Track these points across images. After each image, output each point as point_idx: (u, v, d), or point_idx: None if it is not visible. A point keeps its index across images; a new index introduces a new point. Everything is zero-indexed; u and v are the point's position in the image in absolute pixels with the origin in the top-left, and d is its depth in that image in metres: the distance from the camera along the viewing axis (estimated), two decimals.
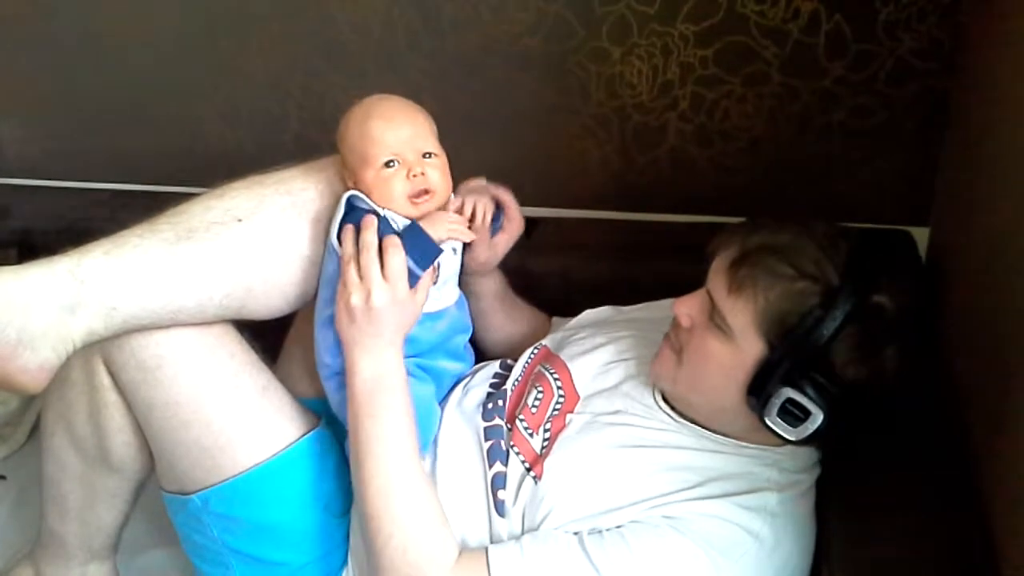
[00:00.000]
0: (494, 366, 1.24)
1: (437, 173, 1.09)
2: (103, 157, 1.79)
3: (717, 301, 1.03)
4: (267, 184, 1.13)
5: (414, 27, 1.55)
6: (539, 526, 1.04)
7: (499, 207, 1.21)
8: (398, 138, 1.07)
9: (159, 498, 1.20)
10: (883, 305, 0.98)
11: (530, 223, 1.56)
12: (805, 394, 0.98)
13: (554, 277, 1.50)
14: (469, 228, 1.14)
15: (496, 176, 1.61)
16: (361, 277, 1.04)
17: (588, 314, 1.33)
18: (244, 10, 1.60)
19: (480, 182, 1.21)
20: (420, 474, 1.06)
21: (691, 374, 1.06)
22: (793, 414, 0.99)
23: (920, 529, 1.04)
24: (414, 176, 1.07)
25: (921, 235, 1.47)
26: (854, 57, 1.43)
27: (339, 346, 1.08)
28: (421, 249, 1.07)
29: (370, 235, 1.05)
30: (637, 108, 1.53)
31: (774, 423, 1.00)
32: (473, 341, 1.27)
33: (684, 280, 1.33)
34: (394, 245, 1.05)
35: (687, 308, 1.07)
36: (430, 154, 1.09)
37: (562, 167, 1.61)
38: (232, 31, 1.63)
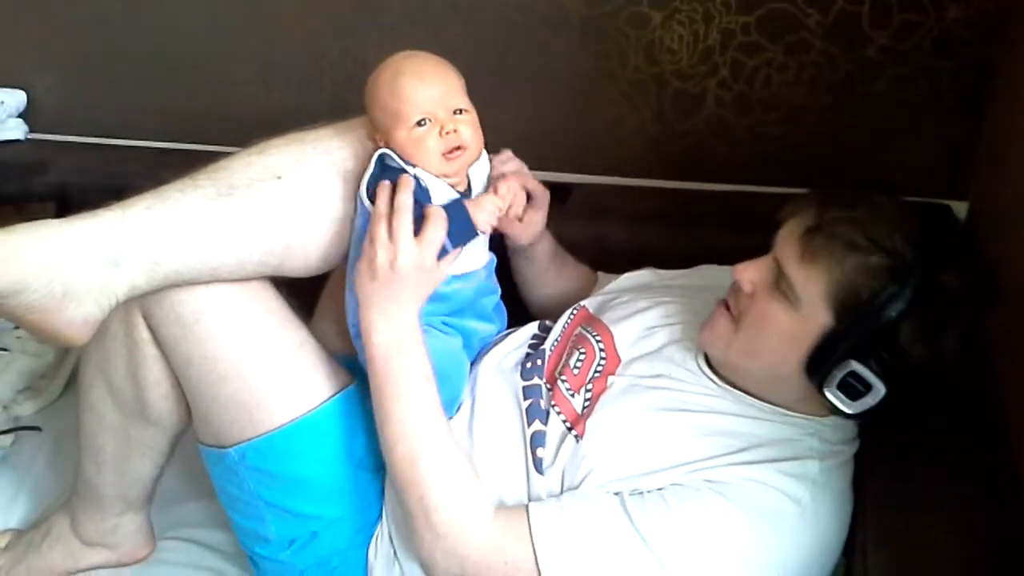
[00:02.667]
0: (532, 328, 1.24)
1: (469, 129, 1.09)
2: (140, 114, 1.80)
3: (786, 268, 1.02)
4: (306, 142, 1.13)
5: None
6: (579, 485, 1.04)
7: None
8: (429, 96, 1.07)
9: (195, 451, 1.21)
10: (949, 284, 0.98)
11: (564, 189, 1.56)
12: (870, 368, 0.97)
13: (587, 244, 1.49)
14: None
15: (530, 140, 1.60)
16: (391, 237, 1.04)
17: (628, 277, 1.33)
18: None
19: (507, 155, 1.21)
20: (445, 434, 1.07)
21: (749, 340, 1.06)
22: (853, 388, 0.99)
23: (956, 506, 1.04)
24: (447, 133, 1.07)
25: (959, 209, 1.46)
26: (898, 26, 1.41)
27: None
28: (461, 228, 1.07)
29: (406, 197, 1.05)
30: (676, 74, 1.52)
31: (833, 395, 1.00)
32: (519, 300, 1.28)
33: (721, 248, 1.33)
34: (439, 215, 1.05)
35: (751, 275, 1.06)
36: (461, 110, 1.09)
37: (598, 133, 1.60)
38: None
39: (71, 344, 1.04)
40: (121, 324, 1.15)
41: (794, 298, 1.01)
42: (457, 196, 1.10)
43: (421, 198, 1.06)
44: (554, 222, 1.31)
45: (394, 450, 1.05)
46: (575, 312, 1.24)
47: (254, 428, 1.12)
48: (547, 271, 1.33)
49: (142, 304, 1.12)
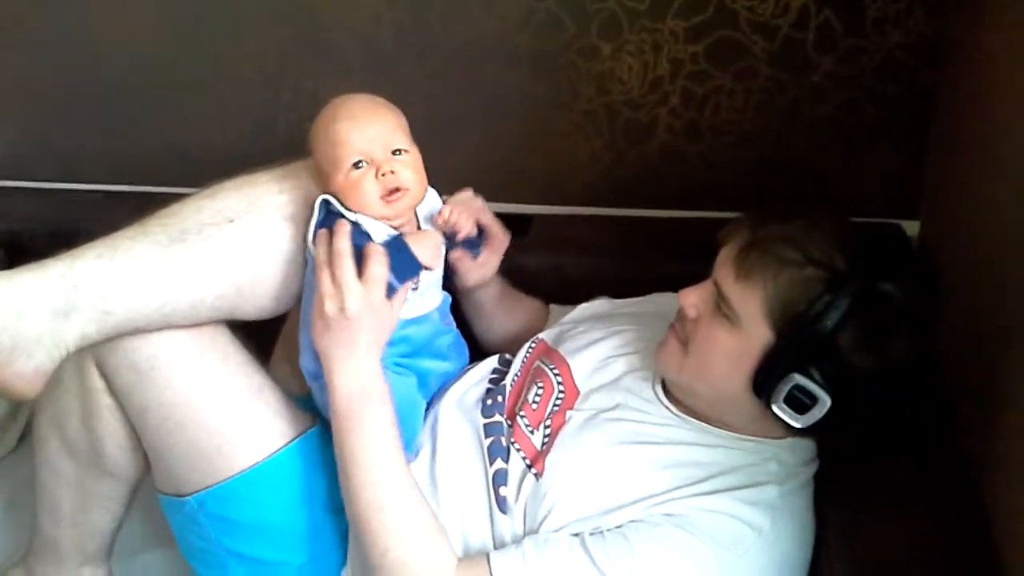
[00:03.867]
0: (492, 362, 1.24)
1: (408, 170, 1.07)
2: (91, 158, 1.77)
3: (724, 289, 1.03)
4: (257, 184, 1.13)
5: (403, 24, 1.54)
6: (540, 524, 1.04)
7: (480, 230, 1.21)
8: (364, 137, 1.06)
9: (155, 499, 1.19)
10: (890, 293, 0.98)
11: (524, 221, 1.57)
12: (812, 379, 0.98)
13: (548, 274, 1.50)
14: (454, 240, 1.15)
15: (486, 173, 1.61)
16: (335, 284, 1.03)
17: (584, 307, 1.34)
18: (234, 10, 1.59)
19: (467, 194, 1.21)
20: (409, 484, 1.06)
21: (697, 363, 1.06)
22: (799, 402, 1.00)
23: (918, 522, 1.05)
24: (383, 175, 1.05)
25: (911, 228, 1.48)
26: (843, 51, 1.43)
27: (316, 351, 1.08)
28: (403, 263, 1.06)
29: (342, 241, 1.04)
30: (627, 104, 1.53)
31: (780, 409, 1.01)
32: (472, 339, 1.27)
33: (676, 274, 1.33)
34: (378, 252, 1.04)
35: (694, 298, 1.07)
36: (400, 150, 1.08)
37: (552, 163, 1.61)
38: (221, 31, 1.62)
39: (22, 397, 1.02)
40: (74, 374, 1.14)
41: (734, 317, 1.02)
42: (396, 234, 1.09)
43: (360, 243, 1.05)
44: (513, 253, 1.31)
45: (358, 497, 1.04)
46: (533, 345, 1.24)
47: (213, 475, 1.11)
48: (495, 313, 1.33)
49: (95, 353, 1.10)
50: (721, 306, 1.03)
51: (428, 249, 1.09)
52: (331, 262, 1.04)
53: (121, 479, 1.20)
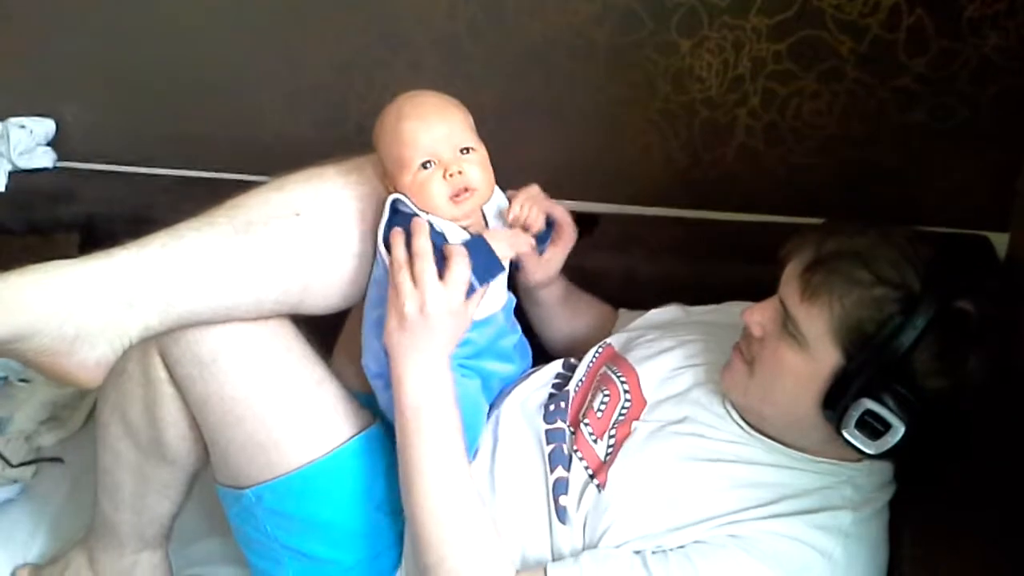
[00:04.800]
0: (557, 366, 1.21)
1: (476, 169, 1.05)
2: (167, 143, 1.80)
3: (790, 309, 0.99)
4: (325, 177, 1.12)
5: (476, 17, 1.52)
6: (600, 538, 1.01)
7: (549, 224, 1.18)
8: (432, 137, 1.04)
9: (213, 488, 1.19)
10: (967, 311, 0.93)
11: (591, 220, 1.54)
12: (885, 405, 0.93)
13: (615, 276, 1.47)
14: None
15: (557, 170, 1.58)
16: (416, 284, 1.01)
17: (654, 314, 1.30)
18: (309, 0, 1.59)
19: (534, 189, 1.18)
20: (471, 495, 1.03)
21: (763, 385, 1.02)
22: (872, 427, 0.95)
23: (997, 558, 0.99)
24: (451, 176, 1.03)
25: (1000, 240, 1.42)
26: (935, 54, 1.36)
27: (380, 351, 1.06)
28: (484, 264, 1.04)
29: (423, 241, 1.02)
30: (705, 103, 1.49)
31: (852, 436, 0.96)
32: (535, 341, 1.24)
33: (750, 282, 1.29)
34: (461, 254, 1.02)
35: (759, 317, 1.03)
36: (468, 149, 1.05)
37: (626, 162, 1.57)
38: (296, 20, 1.62)
39: (84, 387, 1.03)
40: (138, 363, 1.14)
41: (801, 339, 0.97)
42: (475, 234, 1.07)
43: (437, 242, 1.03)
44: (580, 253, 1.28)
45: (418, 505, 1.02)
46: (600, 350, 1.21)
47: (271, 470, 1.10)
48: (558, 314, 1.30)
49: (159, 343, 1.10)
50: (788, 326, 0.99)
51: (510, 248, 1.07)
52: (411, 261, 1.02)
53: (180, 467, 1.20)
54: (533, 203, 1.13)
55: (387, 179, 1.08)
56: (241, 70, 1.70)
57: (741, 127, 1.49)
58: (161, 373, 1.13)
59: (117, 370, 1.10)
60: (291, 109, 1.70)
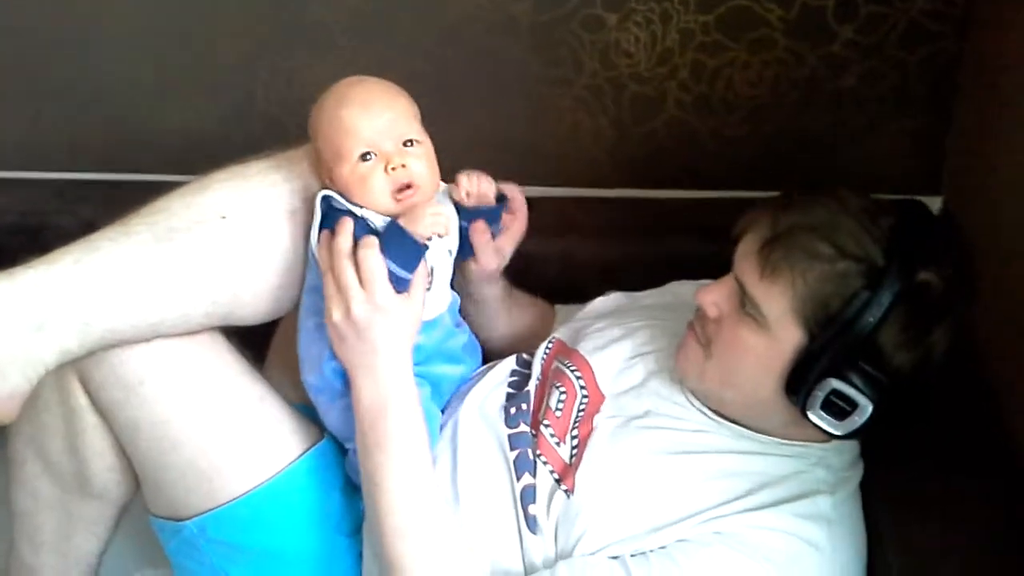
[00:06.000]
0: (511, 363, 1.14)
1: (421, 163, 0.97)
2: (57, 144, 1.65)
3: (748, 288, 0.95)
4: (250, 176, 1.03)
5: None
6: (574, 546, 0.95)
7: (500, 199, 1.10)
8: (374, 127, 0.95)
9: (142, 513, 1.10)
10: (930, 283, 0.91)
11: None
12: (851, 384, 0.90)
13: (554, 260, 1.41)
14: (467, 204, 1.04)
15: (482, 154, 1.50)
16: (339, 288, 0.94)
17: (598, 303, 1.25)
18: None
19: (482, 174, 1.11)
20: (439, 507, 0.97)
21: (722, 368, 0.98)
22: (838, 407, 0.92)
23: (978, 524, 0.99)
24: (393, 169, 0.95)
25: (933, 204, 1.42)
26: (864, 19, 1.35)
27: (323, 363, 0.99)
28: (403, 249, 0.95)
29: (343, 239, 0.94)
30: (634, 78, 1.44)
31: (818, 417, 0.93)
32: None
33: (689, 258, 1.26)
34: (366, 245, 0.94)
35: (713, 296, 0.99)
36: (412, 141, 0.97)
37: (554, 142, 1.51)
38: (194, 7, 1.50)
39: None
40: (55, 391, 1.04)
41: (761, 319, 0.94)
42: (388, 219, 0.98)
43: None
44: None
45: (385, 521, 0.95)
46: (551, 345, 1.15)
47: (214, 497, 1.02)
48: (498, 313, 1.23)
49: (78, 367, 1.00)
50: (746, 305, 0.95)
51: (421, 218, 0.97)
52: (332, 264, 0.94)
53: (109, 501, 1.11)
54: (478, 175, 1.05)
55: (323, 172, 1.00)
56: (136, 61, 1.57)
57: (672, 101, 1.45)
58: (82, 400, 1.03)
59: (30, 401, 0.99)
60: (192, 102, 1.58)
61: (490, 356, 1.21)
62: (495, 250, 1.12)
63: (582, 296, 1.30)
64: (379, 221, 0.97)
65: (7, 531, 1.16)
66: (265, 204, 1.01)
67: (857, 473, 1.03)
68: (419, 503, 0.96)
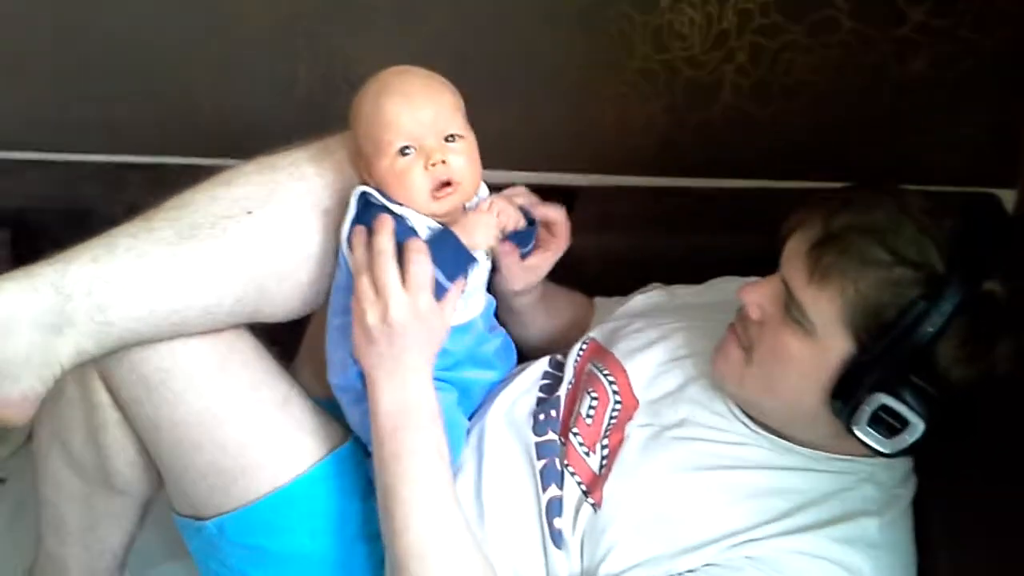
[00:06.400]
0: (543, 364, 1.09)
1: (462, 159, 0.92)
2: (95, 126, 1.64)
3: (795, 291, 0.88)
4: (279, 168, 0.99)
5: None
6: (600, 563, 0.90)
7: (532, 223, 1.04)
8: (416, 120, 0.91)
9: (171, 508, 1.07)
10: (995, 293, 0.84)
11: (568, 194, 1.42)
12: (902, 400, 0.84)
13: (594, 254, 1.34)
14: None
15: (527, 141, 1.47)
16: (377, 289, 0.90)
17: (638, 299, 1.19)
18: None
19: (519, 189, 1.06)
20: (460, 523, 0.92)
21: (763, 375, 0.92)
22: (887, 423, 0.85)
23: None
24: (433, 165, 0.91)
25: (1008, 197, 1.33)
26: (936, 0, 1.26)
27: (348, 365, 0.95)
28: (452, 257, 0.92)
29: (384, 239, 0.90)
30: (688, 62, 1.38)
31: (864, 434, 0.86)
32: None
33: (741, 255, 1.19)
34: (417, 250, 0.90)
35: (757, 297, 0.92)
36: (455, 136, 0.93)
37: (602, 130, 1.46)
38: None
39: (10, 424, 0.90)
40: (77, 386, 1.02)
41: (808, 324, 0.87)
42: (439, 226, 0.94)
43: (404, 240, 0.91)
44: None
45: (399, 538, 0.91)
46: (585, 346, 1.09)
47: (234, 499, 0.99)
48: (535, 318, 1.17)
49: (99, 364, 0.98)
50: (791, 310, 0.88)
51: (481, 233, 0.94)
52: (372, 264, 0.90)
53: (132, 496, 1.09)
54: (506, 202, 1.00)
55: (361, 165, 0.96)
56: (174, 42, 1.54)
57: (727, 86, 1.38)
58: (103, 397, 1.00)
59: (54, 393, 0.97)
60: (230, 84, 1.55)
61: (526, 354, 1.17)
62: (526, 268, 1.07)
63: (623, 291, 1.24)
64: (418, 221, 0.93)
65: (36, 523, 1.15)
66: (294, 199, 0.97)
67: (909, 490, 0.96)
68: (438, 522, 0.91)
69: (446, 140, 0.92)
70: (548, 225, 1.07)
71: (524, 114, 1.45)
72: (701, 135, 1.42)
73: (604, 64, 1.40)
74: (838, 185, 1.26)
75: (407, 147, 0.91)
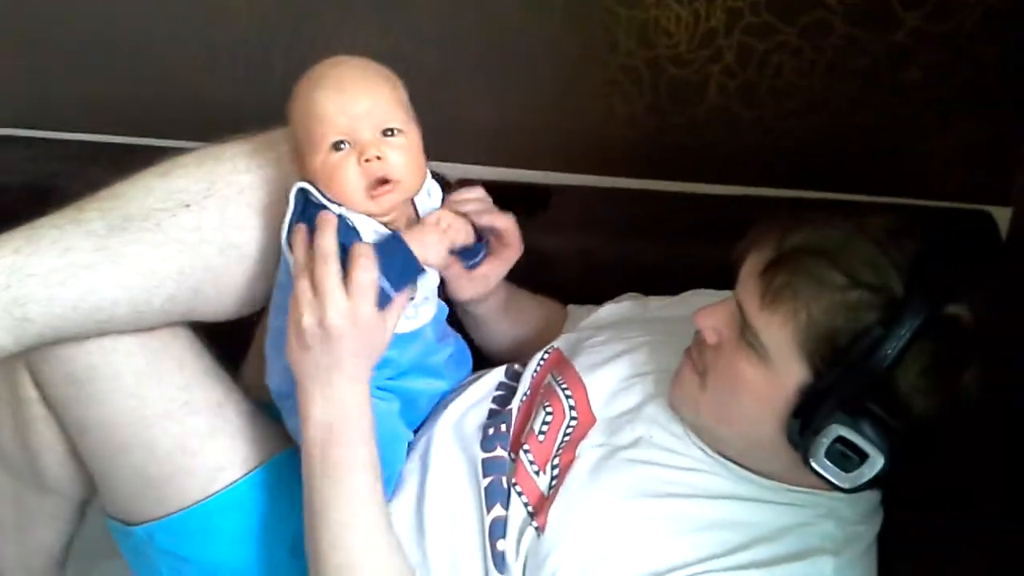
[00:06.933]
0: (499, 374, 1.04)
1: (400, 155, 0.87)
2: (71, 104, 1.60)
3: (748, 315, 0.83)
4: (221, 160, 0.94)
5: None
6: None
7: (480, 235, 0.99)
8: (349, 112, 0.85)
9: None
10: (960, 318, 0.79)
11: (543, 194, 1.37)
12: (860, 432, 0.78)
13: (571, 258, 1.30)
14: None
15: (507, 136, 1.42)
16: (316, 292, 0.85)
17: (609, 309, 1.13)
18: None
19: (473, 193, 1.00)
20: (391, 548, 0.88)
21: (717, 402, 0.87)
22: (844, 455, 0.80)
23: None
24: (367, 161, 0.85)
25: (1002, 216, 1.27)
26: (935, 5, 1.21)
27: (285, 372, 0.90)
28: (400, 266, 0.87)
29: (327, 240, 0.85)
30: (673, 60, 1.33)
31: (822, 466, 0.81)
32: (474, 348, 1.08)
33: (724, 264, 1.13)
34: (364, 254, 0.85)
35: (712, 321, 0.87)
36: (393, 130, 0.87)
37: (584, 127, 1.41)
38: None
39: None
40: (3, 380, 0.98)
41: (761, 350, 0.82)
42: (389, 232, 0.89)
43: (347, 241, 0.86)
44: (532, 233, 1.10)
45: (325, 559, 0.86)
46: (546, 356, 1.04)
47: (163, 506, 0.95)
48: (499, 324, 1.12)
49: (26, 359, 0.94)
50: (745, 333, 0.83)
51: (432, 246, 0.90)
52: (312, 265, 0.85)
53: (65, 496, 1.05)
54: (454, 217, 0.94)
55: (298, 161, 0.91)
56: (152, 21, 1.51)
57: (714, 87, 1.33)
58: (31, 392, 0.96)
59: None
60: (206, 66, 1.52)
61: (492, 361, 1.12)
62: (474, 279, 1.02)
63: (599, 296, 1.19)
64: (360, 222, 0.88)
65: None
66: (233, 192, 0.93)
67: (873, 526, 0.90)
68: (367, 541, 0.87)
69: (384, 134, 0.87)
70: (500, 234, 1.02)
71: (504, 106, 1.40)
72: (685, 136, 1.37)
73: (587, 59, 1.35)
74: (825, 196, 1.22)
75: (341, 141, 0.86)
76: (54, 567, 1.13)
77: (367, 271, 0.85)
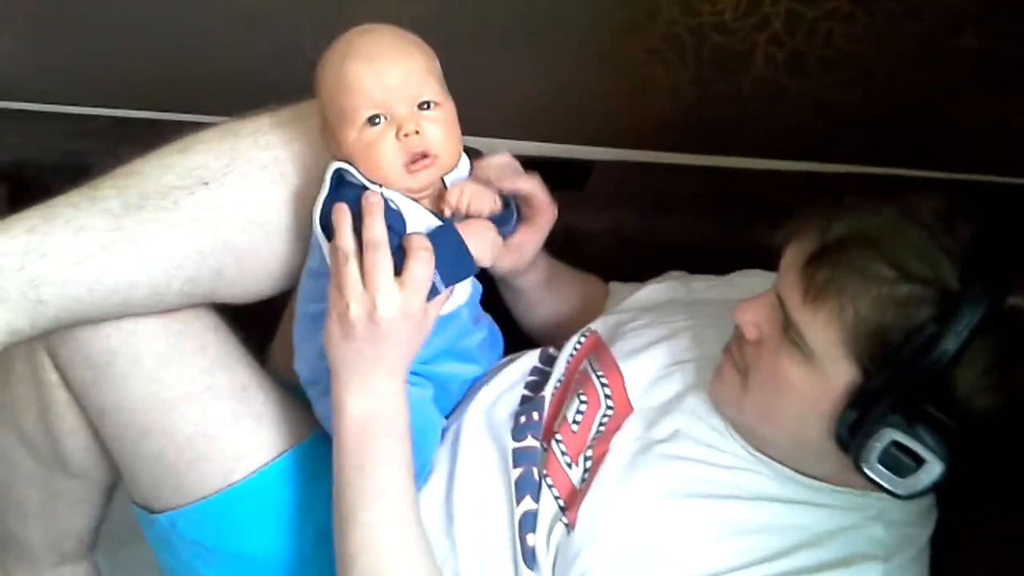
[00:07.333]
0: (532, 359, 1.00)
1: (438, 129, 0.83)
2: (103, 79, 1.58)
3: (791, 311, 0.78)
4: (241, 135, 0.91)
5: None
6: None
7: (508, 203, 0.95)
8: (383, 85, 0.82)
9: None
10: (1022, 310, 0.73)
11: (582, 169, 1.32)
12: (916, 437, 0.73)
13: (607, 237, 1.26)
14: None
15: (542, 109, 1.37)
16: (365, 281, 0.81)
17: (650, 289, 1.09)
18: None
19: (500, 159, 0.96)
20: (421, 549, 0.84)
21: (761, 403, 0.82)
22: (899, 460, 0.75)
23: None
24: (405, 136, 0.82)
25: None
26: None
27: (320, 358, 0.87)
28: (453, 262, 0.84)
29: (378, 227, 0.81)
30: (717, 28, 1.27)
31: (875, 472, 0.76)
32: (513, 327, 1.04)
33: (769, 243, 1.08)
34: (424, 247, 0.82)
35: (752, 315, 0.82)
36: (430, 103, 0.83)
37: (620, 99, 1.36)
38: None
39: None
40: (26, 363, 0.96)
41: (806, 349, 0.77)
42: (440, 222, 0.86)
43: (395, 227, 0.82)
44: (567, 210, 1.06)
45: (354, 561, 0.83)
46: (583, 340, 1.00)
47: (184, 494, 0.93)
48: (541, 300, 1.09)
49: (46, 341, 0.91)
50: (788, 330, 0.78)
51: (487, 247, 0.87)
52: (364, 253, 0.82)
53: (91, 481, 1.03)
54: (476, 189, 0.89)
55: (328, 136, 0.87)
56: None
57: (760, 56, 1.28)
58: (52, 376, 0.94)
59: (2, 368, 0.92)
60: (237, 41, 1.49)
61: (532, 340, 1.08)
62: (510, 248, 0.98)
63: (635, 276, 1.15)
64: (402, 203, 0.85)
65: None
66: (255, 170, 0.90)
67: (926, 528, 0.85)
68: (397, 543, 0.83)
69: (420, 108, 0.83)
70: (526, 199, 0.97)
71: (535, 78, 1.35)
72: (729, 108, 1.32)
73: (627, 27, 1.30)
74: (875, 171, 1.15)
75: (376, 116, 0.82)
76: (83, 550, 1.12)
77: (427, 268, 0.82)
